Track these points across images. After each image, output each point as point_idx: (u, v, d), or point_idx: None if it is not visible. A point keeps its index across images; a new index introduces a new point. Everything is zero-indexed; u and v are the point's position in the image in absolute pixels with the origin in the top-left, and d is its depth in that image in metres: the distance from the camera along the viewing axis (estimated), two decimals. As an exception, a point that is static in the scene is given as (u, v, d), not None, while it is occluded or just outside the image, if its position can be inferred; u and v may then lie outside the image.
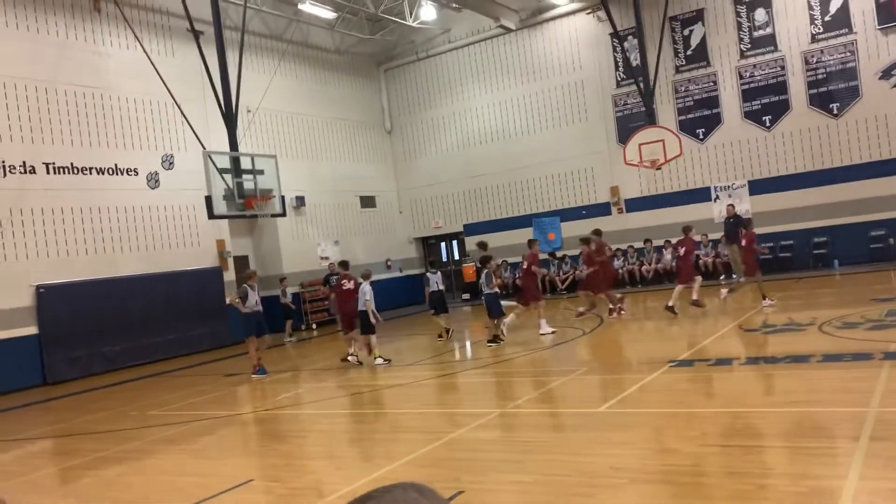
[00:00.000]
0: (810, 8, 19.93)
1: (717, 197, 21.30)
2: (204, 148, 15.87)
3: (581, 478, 5.49)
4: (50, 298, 15.94)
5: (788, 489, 4.76)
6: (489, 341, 13.29)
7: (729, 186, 21.22)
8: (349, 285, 13.40)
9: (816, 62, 19.94)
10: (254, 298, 13.15)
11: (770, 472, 5.14)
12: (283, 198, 16.77)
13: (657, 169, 19.51)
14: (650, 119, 19.42)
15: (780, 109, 20.49)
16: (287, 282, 19.95)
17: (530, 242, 15.02)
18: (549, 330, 13.87)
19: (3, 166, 15.62)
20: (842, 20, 19.54)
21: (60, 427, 10.90)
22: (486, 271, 13.49)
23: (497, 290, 13.58)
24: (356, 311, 12.98)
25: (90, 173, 17.22)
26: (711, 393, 7.90)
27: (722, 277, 20.24)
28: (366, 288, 12.89)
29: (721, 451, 5.80)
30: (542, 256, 23.11)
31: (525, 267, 14.35)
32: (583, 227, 23.17)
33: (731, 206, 19.67)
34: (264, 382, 12.75)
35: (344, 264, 14.59)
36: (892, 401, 6.50)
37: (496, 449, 6.66)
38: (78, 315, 16.29)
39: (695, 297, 14.44)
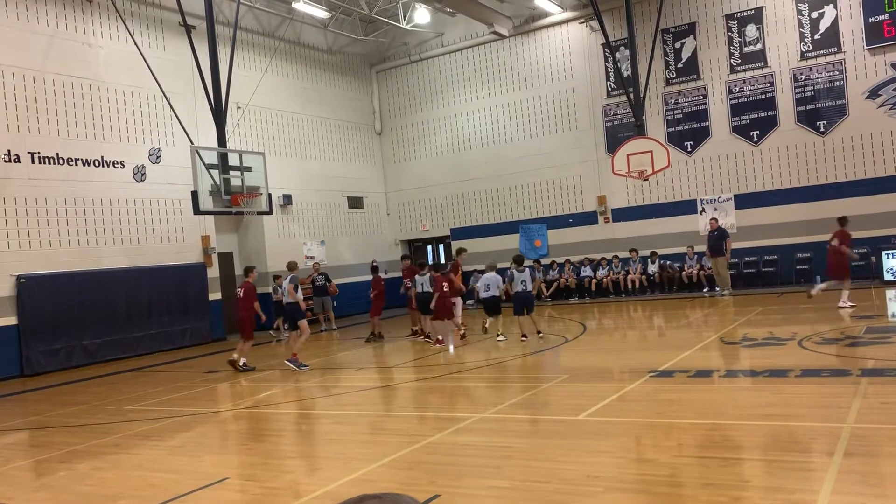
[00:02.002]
0: (800, 26, 20.14)
1: (703, 210, 21.44)
2: (192, 143, 15.81)
3: (558, 485, 5.49)
4: (31, 289, 15.79)
5: (763, 502, 4.79)
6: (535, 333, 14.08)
7: (715, 199, 21.37)
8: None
9: (805, 79, 20.14)
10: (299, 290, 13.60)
11: (745, 485, 5.17)
12: (270, 196, 16.73)
13: (644, 180, 19.62)
14: (639, 130, 19.53)
15: (767, 125, 20.67)
16: (282, 279, 19.94)
17: (842, 220, 15.21)
18: (848, 304, 14.20)
19: (-12, 154, 15.49)
20: (831, 39, 19.76)
21: (35, 419, 10.78)
22: (511, 272, 14.09)
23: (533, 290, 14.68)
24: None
25: (76, 164, 17.09)
26: (690, 404, 7.93)
27: (705, 290, 20.38)
28: (497, 276, 14.23)
29: (698, 462, 5.82)
30: (528, 263, 23.19)
31: (835, 245, 14.71)
32: (570, 235, 23.35)
33: (715, 219, 19.88)
34: (246, 379, 12.69)
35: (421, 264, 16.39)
36: (868, 417, 6.56)
37: (474, 454, 6.66)
38: (59, 307, 16.15)
39: None
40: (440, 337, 14.51)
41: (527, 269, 14.22)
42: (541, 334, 14.09)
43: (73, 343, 16.49)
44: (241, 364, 13.49)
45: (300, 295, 13.38)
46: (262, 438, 8.31)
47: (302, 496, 5.89)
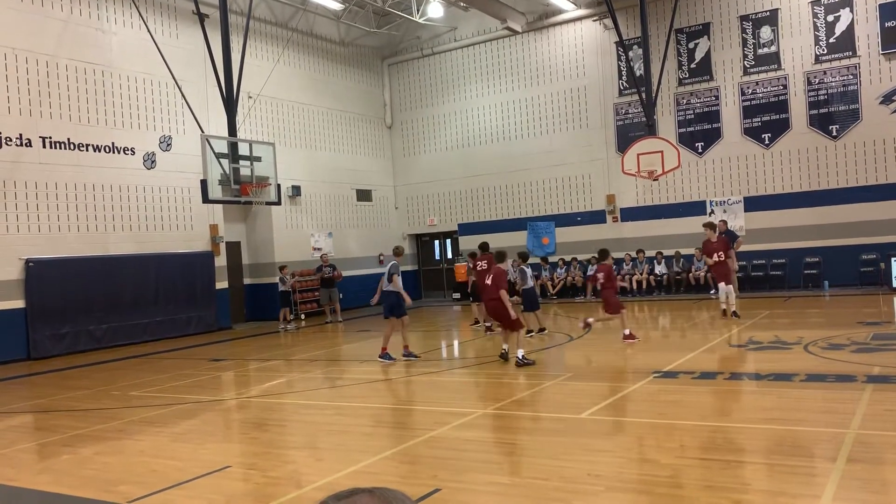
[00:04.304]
0: (815, 29, 20.00)
1: (713, 211, 21.35)
2: (202, 131, 15.84)
3: (558, 482, 5.49)
4: (39, 273, 15.87)
5: (763, 505, 4.78)
6: (528, 332, 13.64)
7: (725, 201, 21.28)
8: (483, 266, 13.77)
9: (819, 83, 20.02)
10: (399, 278, 12.42)
11: (747, 488, 5.15)
12: (279, 186, 16.76)
13: (654, 180, 19.55)
14: (650, 130, 19.45)
15: (779, 128, 20.56)
16: (287, 269, 20.02)
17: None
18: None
19: (0, 138, 15.55)
20: (846, 43, 19.62)
21: (41, 402, 10.85)
22: (520, 268, 14.04)
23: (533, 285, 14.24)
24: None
25: (87, 150, 17.15)
26: (693, 406, 7.91)
27: (712, 292, 20.30)
28: (527, 270, 13.87)
29: (699, 464, 5.81)
30: (535, 261, 23.19)
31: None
32: (577, 234, 23.31)
33: (724, 221, 19.77)
34: (252, 370, 12.72)
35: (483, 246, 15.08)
36: (872, 424, 6.53)
37: (476, 449, 6.66)
38: (66, 291, 16.23)
39: None
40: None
41: (520, 267, 14.17)
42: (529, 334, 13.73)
43: (80, 328, 16.58)
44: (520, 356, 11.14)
45: (400, 283, 12.21)
46: (265, 428, 8.33)
47: (303, 486, 5.92)
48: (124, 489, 6.04)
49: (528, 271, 14.15)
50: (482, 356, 12.47)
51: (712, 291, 20.22)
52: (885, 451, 5.80)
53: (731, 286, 14.96)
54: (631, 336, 12.63)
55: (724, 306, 14.99)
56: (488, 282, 11.42)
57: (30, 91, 16.16)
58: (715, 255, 14.96)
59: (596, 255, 14.41)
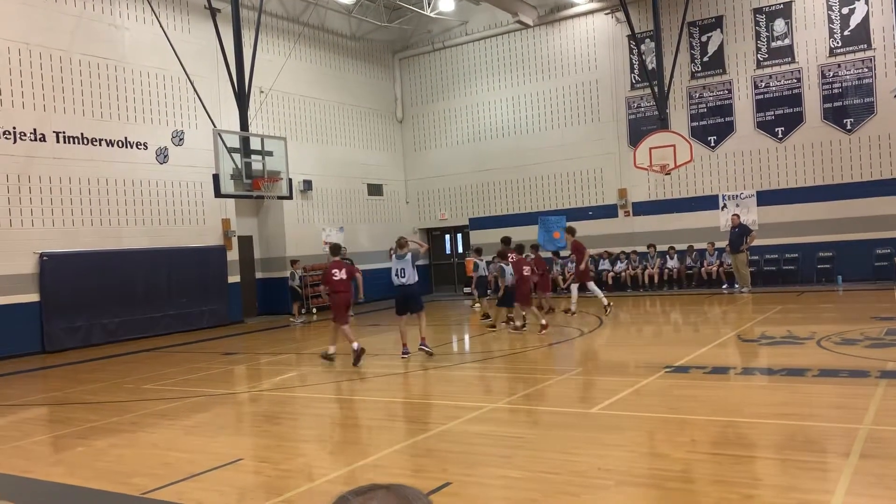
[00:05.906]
0: (830, 21, 19.82)
1: (725, 205, 21.24)
2: (214, 126, 15.88)
3: (569, 476, 5.49)
4: (53, 267, 16.00)
5: (775, 501, 4.76)
6: (521, 326, 14.37)
7: (737, 196, 21.16)
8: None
9: (833, 76, 19.84)
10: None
11: (758, 483, 5.14)
12: (290, 181, 16.80)
13: (666, 174, 19.46)
14: (663, 123, 19.37)
15: (793, 121, 20.40)
16: (299, 264, 20.08)
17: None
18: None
19: (14, 133, 15.66)
20: (861, 35, 19.44)
21: (55, 395, 10.95)
22: (500, 265, 14.32)
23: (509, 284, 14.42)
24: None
25: (100, 144, 17.25)
26: (705, 401, 7.89)
27: (724, 286, 20.22)
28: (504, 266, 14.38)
29: (710, 458, 5.80)
30: (546, 255, 23.13)
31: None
32: (589, 228, 23.20)
33: (737, 216, 19.69)
34: (266, 363, 12.77)
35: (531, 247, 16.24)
36: (885, 419, 6.49)
37: (486, 443, 6.67)
38: (80, 285, 16.35)
39: None
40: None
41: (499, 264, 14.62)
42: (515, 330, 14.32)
43: (94, 321, 16.70)
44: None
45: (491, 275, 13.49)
46: (277, 421, 8.38)
47: (315, 479, 5.95)
48: (138, 481, 6.10)
49: (508, 269, 14.20)
50: (493, 350, 12.47)
51: (724, 286, 20.17)
52: (898, 446, 5.77)
53: (586, 284, 16.32)
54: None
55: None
56: (343, 277, 12.01)
57: (43, 86, 16.26)
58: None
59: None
